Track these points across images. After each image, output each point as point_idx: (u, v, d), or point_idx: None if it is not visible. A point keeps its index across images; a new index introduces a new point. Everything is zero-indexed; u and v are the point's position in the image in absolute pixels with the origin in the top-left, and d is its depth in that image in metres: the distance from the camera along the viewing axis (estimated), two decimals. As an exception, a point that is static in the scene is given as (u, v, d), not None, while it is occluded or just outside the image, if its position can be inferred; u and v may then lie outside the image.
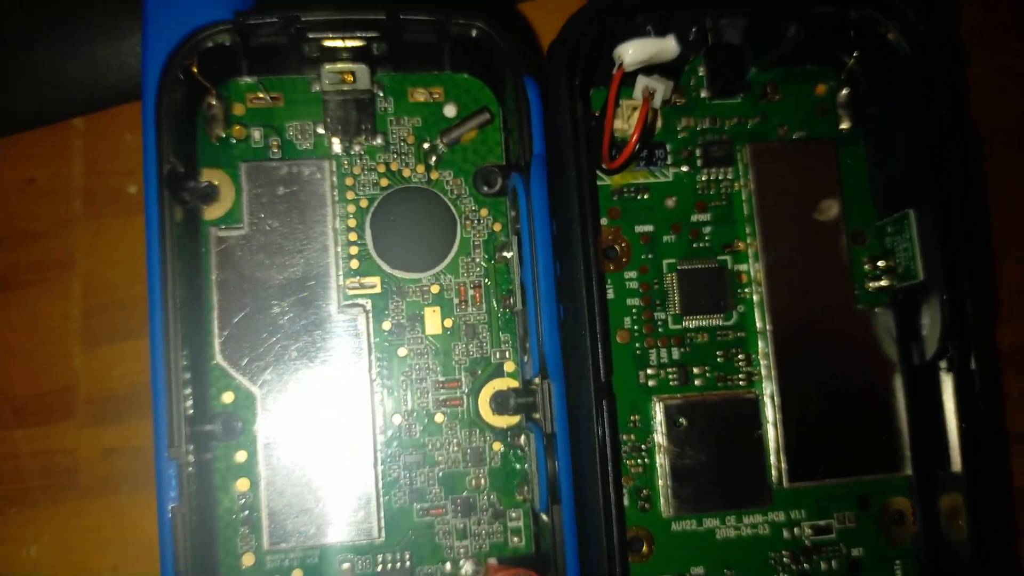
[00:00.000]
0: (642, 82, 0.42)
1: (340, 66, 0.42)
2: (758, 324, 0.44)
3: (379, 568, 0.41)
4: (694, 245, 0.44)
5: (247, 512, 0.41)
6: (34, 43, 0.47)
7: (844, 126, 0.46)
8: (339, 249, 0.43)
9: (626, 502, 0.42)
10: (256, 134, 0.43)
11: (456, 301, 0.43)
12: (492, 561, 0.42)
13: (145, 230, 0.38)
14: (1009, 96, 0.54)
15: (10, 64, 0.47)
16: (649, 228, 0.44)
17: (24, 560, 0.46)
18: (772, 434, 0.43)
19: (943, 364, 0.42)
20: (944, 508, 0.43)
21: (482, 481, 0.43)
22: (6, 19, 0.47)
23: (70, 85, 0.48)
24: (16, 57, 0.47)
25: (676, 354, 0.44)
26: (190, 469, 0.38)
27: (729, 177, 0.45)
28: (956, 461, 0.42)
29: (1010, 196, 0.53)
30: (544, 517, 0.40)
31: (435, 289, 0.43)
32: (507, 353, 0.43)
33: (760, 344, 0.44)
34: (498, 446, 0.43)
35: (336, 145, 0.43)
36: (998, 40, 0.55)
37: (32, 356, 0.48)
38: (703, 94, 0.45)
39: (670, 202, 0.44)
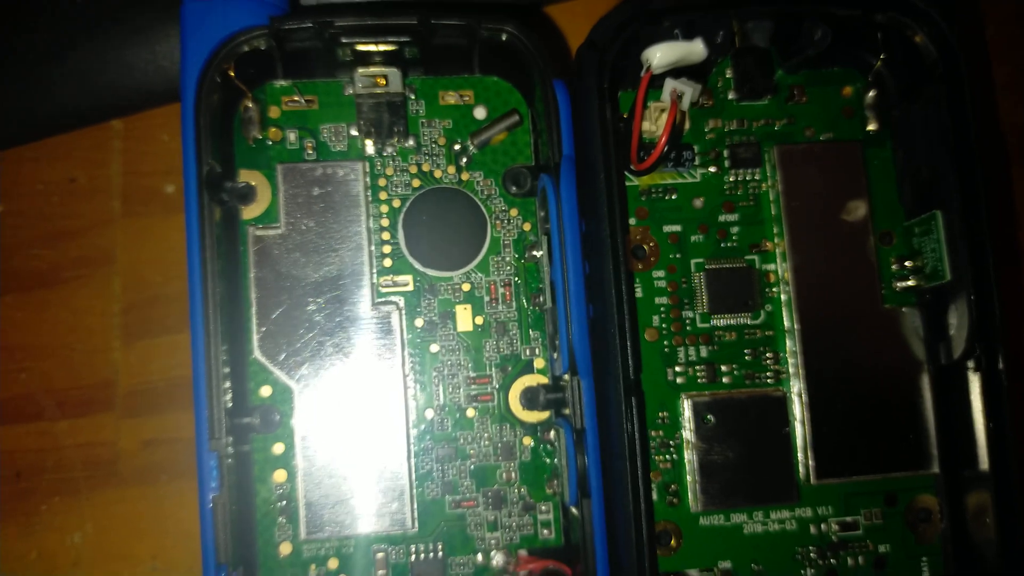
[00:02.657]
0: (670, 85, 0.42)
1: (373, 70, 0.43)
2: (786, 323, 0.44)
3: (412, 558, 0.42)
4: (722, 245, 0.45)
5: (284, 502, 0.42)
6: (73, 48, 0.48)
7: (871, 127, 0.46)
8: (372, 248, 0.44)
9: (655, 497, 0.43)
10: (291, 136, 0.44)
11: (487, 299, 0.44)
12: (523, 552, 0.43)
13: (186, 229, 0.39)
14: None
15: (51, 68, 0.48)
16: (677, 228, 0.45)
17: (68, 547, 0.48)
18: (799, 431, 0.44)
19: (970, 364, 0.42)
20: (971, 506, 0.43)
21: (513, 475, 0.43)
22: (47, 25, 0.48)
23: (108, 88, 0.49)
24: (56, 62, 0.48)
25: (704, 352, 0.44)
26: (230, 460, 0.39)
27: (757, 178, 0.45)
28: (983, 460, 0.42)
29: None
30: (574, 510, 0.41)
31: (466, 287, 0.44)
32: (537, 350, 0.44)
33: (788, 343, 0.44)
34: (528, 441, 0.44)
35: (369, 147, 0.44)
36: (1027, 40, 0.55)
37: (74, 350, 0.49)
38: (731, 96, 0.45)
39: (698, 202, 0.45)
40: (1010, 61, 0.55)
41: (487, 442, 0.43)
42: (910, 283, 0.45)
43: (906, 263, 0.45)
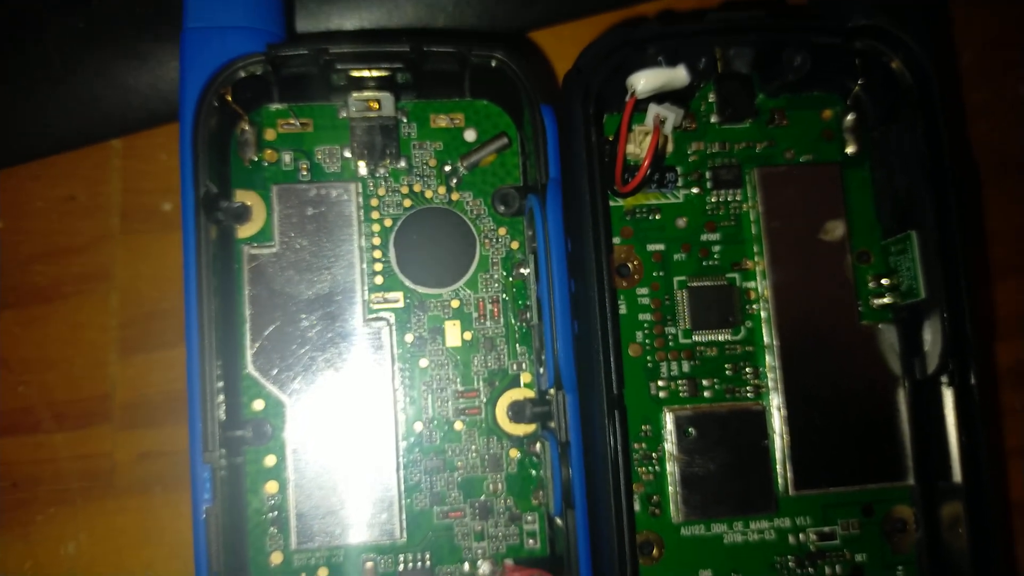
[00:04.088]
0: (653, 110, 0.44)
1: (366, 94, 0.44)
2: (765, 339, 0.46)
3: (400, 567, 0.43)
4: (704, 263, 0.46)
5: (276, 513, 0.43)
6: (75, 71, 0.49)
7: (850, 150, 0.47)
8: (364, 266, 0.45)
9: (637, 508, 0.44)
10: (287, 158, 0.45)
11: (475, 315, 0.45)
12: (508, 562, 0.44)
13: (183, 248, 0.40)
14: (1015, 120, 0.56)
15: (52, 89, 0.49)
16: (660, 247, 0.46)
17: (63, 557, 0.48)
18: (778, 444, 0.45)
19: (944, 379, 0.44)
20: (945, 517, 0.44)
21: (499, 486, 0.45)
22: (50, 48, 0.49)
23: (109, 110, 0.50)
24: (58, 82, 0.49)
25: (686, 367, 0.45)
26: (222, 472, 0.40)
27: (738, 199, 0.47)
28: (957, 472, 0.43)
29: (1017, 217, 0.55)
30: (559, 521, 0.42)
31: (455, 304, 0.45)
32: (524, 365, 0.45)
33: (767, 358, 0.46)
34: (515, 453, 0.45)
35: (362, 168, 0.45)
36: (1005, 65, 0.56)
37: (72, 364, 0.50)
38: (713, 119, 0.47)
39: (681, 222, 0.46)
40: (986, 86, 0.56)
41: (474, 454, 0.45)
42: (886, 300, 0.46)
43: (883, 281, 0.46)
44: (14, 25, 0.50)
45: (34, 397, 0.50)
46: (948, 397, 0.44)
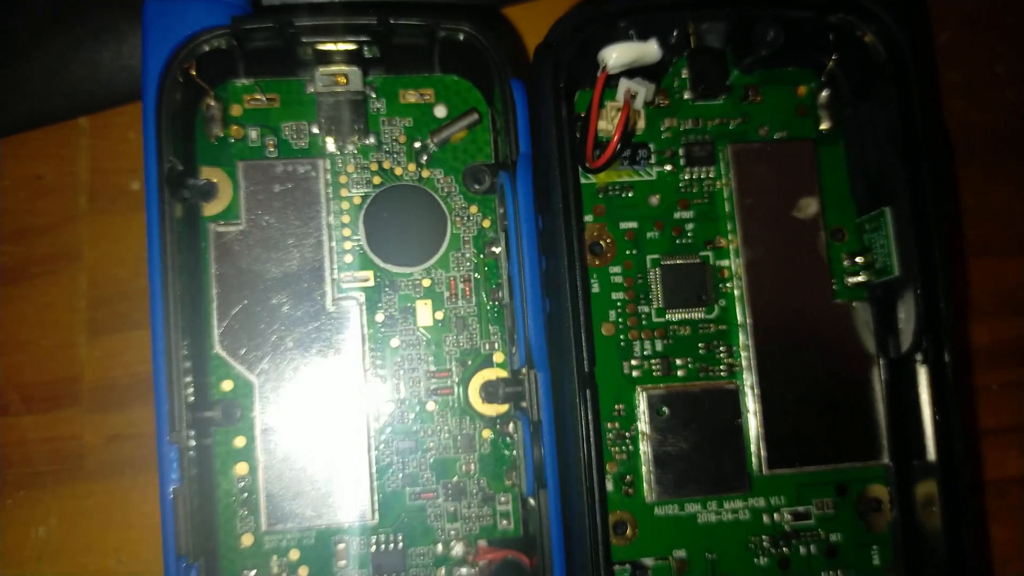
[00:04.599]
0: (624, 84, 0.43)
1: (333, 68, 0.44)
2: (739, 317, 0.45)
3: (372, 549, 0.43)
4: (677, 241, 0.46)
5: (246, 495, 0.43)
6: (39, 46, 0.48)
7: (824, 126, 0.47)
8: (333, 244, 0.44)
9: (610, 487, 0.44)
10: (253, 134, 0.44)
11: (447, 294, 0.45)
12: (482, 543, 0.44)
13: (146, 226, 0.40)
14: (992, 100, 0.55)
15: (17, 66, 0.49)
16: (633, 225, 0.46)
17: (32, 541, 0.48)
18: (752, 423, 0.45)
19: (918, 357, 0.43)
20: (920, 496, 0.44)
21: (472, 467, 0.44)
22: (12, 23, 0.48)
23: (74, 86, 0.49)
24: (22, 59, 0.49)
25: (659, 346, 0.45)
26: (191, 453, 0.39)
27: (711, 176, 0.46)
28: (931, 451, 0.43)
29: (992, 196, 0.54)
30: (531, 501, 0.42)
31: (426, 283, 0.45)
32: (496, 344, 0.45)
33: (741, 336, 0.45)
34: (487, 433, 0.44)
35: (330, 144, 0.45)
36: (982, 45, 0.56)
37: (40, 346, 0.49)
38: (686, 96, 0.46)
39: (654, 200, 0.46)
40: (964, 64, 0.56)
41: (447, 435, 0.44)
42: (861, 278, 0.46)
43: (857, 259, 0.46)
44: (-25, 1, 0.49)
45: (2, 379, 0.49)
46: (922, 375, 0.43)
